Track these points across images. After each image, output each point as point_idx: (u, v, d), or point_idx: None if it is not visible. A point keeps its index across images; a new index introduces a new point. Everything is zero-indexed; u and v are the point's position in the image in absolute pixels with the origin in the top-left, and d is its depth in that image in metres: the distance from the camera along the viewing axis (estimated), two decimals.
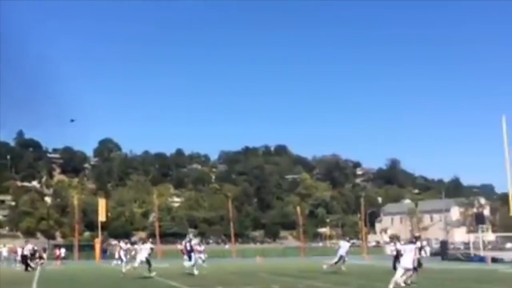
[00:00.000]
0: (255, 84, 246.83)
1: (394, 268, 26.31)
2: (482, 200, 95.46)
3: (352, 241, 33.59)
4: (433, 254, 55.68)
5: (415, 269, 18.59)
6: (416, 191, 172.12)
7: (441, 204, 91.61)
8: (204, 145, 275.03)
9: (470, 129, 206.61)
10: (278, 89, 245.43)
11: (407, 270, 17.41)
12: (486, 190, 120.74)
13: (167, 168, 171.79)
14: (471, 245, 52.97)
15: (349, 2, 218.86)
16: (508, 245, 65.62)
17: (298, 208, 75.23)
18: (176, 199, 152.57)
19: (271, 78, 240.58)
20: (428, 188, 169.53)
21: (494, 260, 41.29)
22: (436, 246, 64.43)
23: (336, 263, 26.79)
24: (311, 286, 19.35)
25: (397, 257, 26.53)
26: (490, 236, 76.45)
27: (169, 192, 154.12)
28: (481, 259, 41.94)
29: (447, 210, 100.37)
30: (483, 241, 50.03)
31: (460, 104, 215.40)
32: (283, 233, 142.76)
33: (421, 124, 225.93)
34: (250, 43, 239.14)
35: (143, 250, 24.53)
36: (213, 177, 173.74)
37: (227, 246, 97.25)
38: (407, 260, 17.33)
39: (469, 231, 76.96)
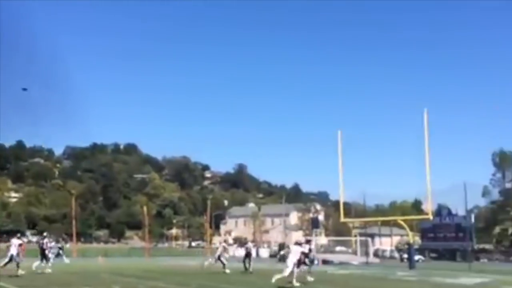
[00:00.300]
0: (105, 77, 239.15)
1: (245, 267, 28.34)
2: (318, 206, 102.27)
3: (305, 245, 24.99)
4: (272, 255, 59.04)
5: (306, 264, 21.93)
6: (260, 195, 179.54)
7: (281, 209, 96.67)
8: (48, 139, 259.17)
9: (311, 141, 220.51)
10: (130, 85, 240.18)
11: (289, 268, 19.18)
12: (322, 197, 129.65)
13: (5, 161, 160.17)
14: None
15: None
16: (338, 248, 71.42)
17: (145, 208, 74.85)
18: (13, 194, 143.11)
19: (122, 72, 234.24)
20: (271, 193, 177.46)
21: (325, 262, 45.08)
22: (275, 248, 68.30)
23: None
24: (153, 287, 19.81)
25: (247, 255, 29.52)
26: (323, 240, 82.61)
27: (6, 187, 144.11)
28: (312, 261, 45.45)
29: (287, 215, 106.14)
30: (317, 244, 54.02)
31: (302, 118, 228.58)
32: (128, 233, 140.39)
33: (267, 133, 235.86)
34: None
35: None
36: (57, 172, 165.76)
37: (67, 245, 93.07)
38: (290, 260, 19.31)
39: (305, 235, 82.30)
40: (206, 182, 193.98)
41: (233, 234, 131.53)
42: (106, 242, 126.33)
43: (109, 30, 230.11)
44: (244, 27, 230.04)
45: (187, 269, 31.06)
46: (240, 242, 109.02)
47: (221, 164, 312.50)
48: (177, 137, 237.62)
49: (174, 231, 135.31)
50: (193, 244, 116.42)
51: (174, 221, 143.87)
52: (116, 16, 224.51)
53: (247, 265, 29.13)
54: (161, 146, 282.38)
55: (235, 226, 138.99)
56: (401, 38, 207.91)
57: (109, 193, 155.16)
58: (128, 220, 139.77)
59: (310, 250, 23.91)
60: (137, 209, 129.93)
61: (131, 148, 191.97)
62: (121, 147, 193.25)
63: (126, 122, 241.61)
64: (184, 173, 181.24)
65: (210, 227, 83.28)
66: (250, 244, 32.71)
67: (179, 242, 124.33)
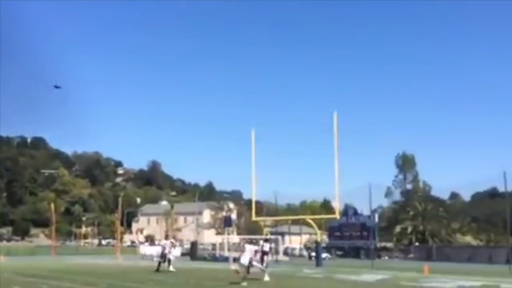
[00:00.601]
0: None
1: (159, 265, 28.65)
2: (231, 205, 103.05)
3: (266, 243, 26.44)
4: (184, 254, 58.92)
5: (265, 262, 23.92)
6: (174, 193, 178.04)
7: (195, 207, 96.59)
8: None
9: (225, 139, 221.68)
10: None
11: (244, 265, 20.85)
12: (235, 196, 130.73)
13: None
14: (217, 246, 57.47)
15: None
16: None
17: (53, 205, 72.21)
18: None
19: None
20: (185, 191, 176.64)
21: (236, 259, 45.72)
22: (187, 246, 68.18)
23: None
24: (56, 287, 19.39)
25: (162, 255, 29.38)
26: (235, 238, 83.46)
27: None
28: (226, 259, 45.97)
29: (200, 213, 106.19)
30: (229, 242, 54.62)
31: (217, 116, 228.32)
32: (34, 230, 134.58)
33: (182, 130, 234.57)
34: None
35: None
36: None
37: None
38: (245, 258, 20.90)
39: (217, 233, 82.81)
40: (118, 179, 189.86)
41: (145, 232, 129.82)
42: (9, 240, 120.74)
43: None
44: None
45: (96, 268, 30.50)
46: (151, 240, 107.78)
47: (134, 160, 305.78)
48: (88, 132, 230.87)
49: (83, 229, 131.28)
50: (103, 242, 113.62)
51: (84, 218, 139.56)
52: None
53: (163, 264, 28.96)
54: (71, 140, 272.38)
55: (147, 224, 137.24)
56: (312, 35, 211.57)
57: (13, 188, 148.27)
58: (34, 217, 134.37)
59: (270, 248, 26.05)
60: (44, 205, 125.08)
61: (38, 142, 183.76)
62: (28, 140, 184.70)
63: (33, 114, 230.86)
64: (96, 169, 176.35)
65: (122, 225, 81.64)
66: (165, 242, 32.17)
67: (88, 240, 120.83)
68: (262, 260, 24.17)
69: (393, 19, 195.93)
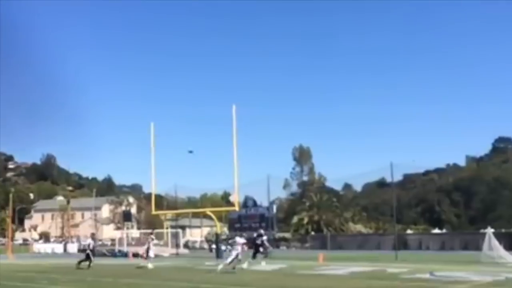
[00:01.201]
0: None
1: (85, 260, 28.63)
2: (131, 199, 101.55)
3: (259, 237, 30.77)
4: (81, 250, 57.40)
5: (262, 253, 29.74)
6: (70, 188, 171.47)
7: (92, 202, 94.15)
8: None
9: (124, 133, 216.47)
10: None
11: (232, 257, 24.00)
12: (135, 190, 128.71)
13: None
14: (117, 241, 56.59)
15: None
16: None
17: None
18: None
19: None
20: (82, 185, 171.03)
21: (135, 255, 45.34)
22: (84, 243, 66.35)
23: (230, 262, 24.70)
24: None
25: (85, 250, 30.43)
26: (135, 233, 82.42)
27: None
28: (125, 255, 45.55)
29: (98, 208, 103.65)
30: (129, 237, 54.01)
31: (113, 108, 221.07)
32: None
33: (78, 123, 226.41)
34: None
35: None
36: None
37: None
38: (235, 250, 24.19)
39: (117, 228, 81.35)
40: (9, 174, 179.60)
41: (39, 229, 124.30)
42: None
43: None
44: None
45: None
46: (45, 237, 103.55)
47: (27, 154, 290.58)
48: None
49: None
50: None
51: None
52: None
53: (84, 263, 28.71)
54: None
55: (42, 220, 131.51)
56: (209, 28, 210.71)
57: None
58: None
59: (262, 241, 30.08)
60: None
61: None
62: None
63: None
64: None
65: (13, 222, 77.85)
66: (89, 240, 31.60)
67: None
68: (256, 252, 29.64)
69: (290, 12, 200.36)
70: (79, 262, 28.72)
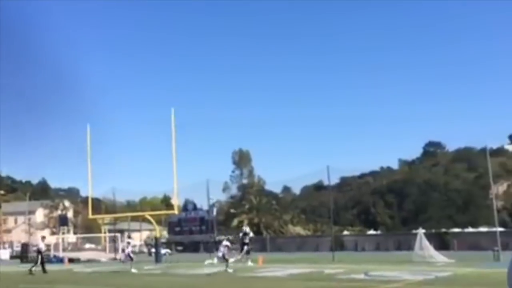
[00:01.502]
0: None
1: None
2: (67, 203, 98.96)
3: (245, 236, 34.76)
4: (14, 257, 55.54)
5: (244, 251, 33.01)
6: (2, 192, 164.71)
7: (26, 206, 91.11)
8: None
9: (60, 135, 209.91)
10: None
11: (219, 258, 26.77)
12: (72, 193, 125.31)
13: None
14: (52, 247, 55.12)
15: None
16: (87, 245, 70.46)
17: None
18: None
19: None
20: (15, 189, 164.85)
21: (71, 260, 44.47)
22: (17, 248, 64.16)
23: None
24: None
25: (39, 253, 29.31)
26: (72, 238, 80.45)
27: None
28: (61, 260, 44.50)
29: (32, 212, 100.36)
30: (65, 242, 52.76)
31: (49, 110, 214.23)
32: None
33: (9, 124, 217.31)
34: None
35: None
36: None
37: None
38: (220, 251, 26.44)
39: (52, 233, 79.12)
40: None
41: None
42: None
43: None
44: None
45: None
46: None
47: None
48: None
49: None
50: None
51: None
52: None
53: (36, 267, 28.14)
54: None
55: None
56: (149, 29, 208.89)
57: None
58: None
59: (250, 239, 33.42)
60: None
61: None
62: None
63: None
64: None
65: None
66: (40, 243, 31.02)
67: None
68: (242, 250, 32.72)
69: (233, 13, 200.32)
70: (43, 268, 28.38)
